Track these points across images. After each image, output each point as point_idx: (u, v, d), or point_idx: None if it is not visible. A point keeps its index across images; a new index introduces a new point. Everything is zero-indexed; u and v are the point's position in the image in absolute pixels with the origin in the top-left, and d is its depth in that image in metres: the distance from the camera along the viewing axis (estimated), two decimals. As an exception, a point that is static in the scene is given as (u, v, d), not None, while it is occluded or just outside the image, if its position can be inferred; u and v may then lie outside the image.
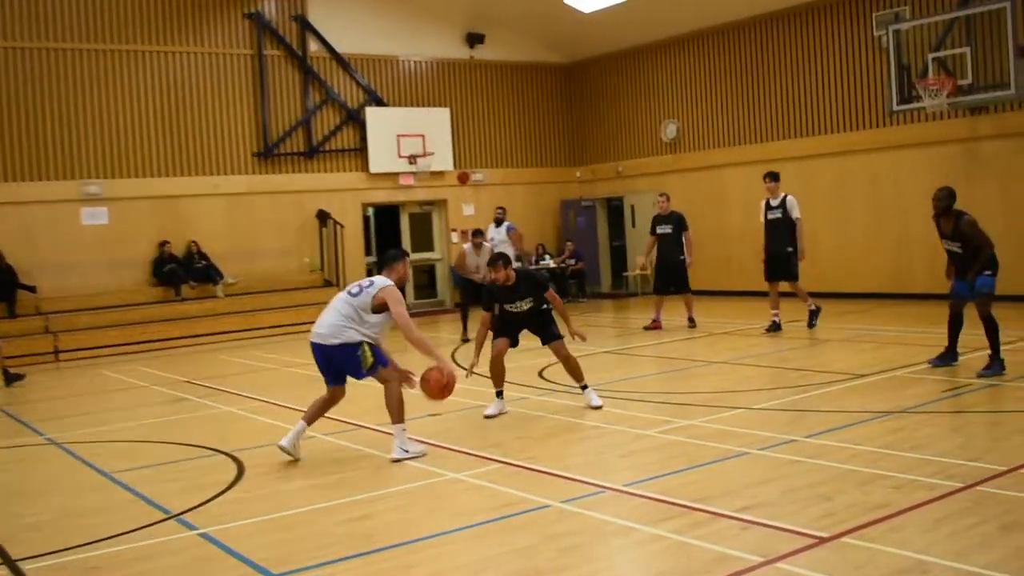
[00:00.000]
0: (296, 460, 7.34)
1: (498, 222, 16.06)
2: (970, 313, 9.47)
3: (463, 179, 21.44)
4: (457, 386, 7.42)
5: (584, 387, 8.78)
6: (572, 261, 21.32)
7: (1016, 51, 14.24)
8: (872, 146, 17.06)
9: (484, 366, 8.83)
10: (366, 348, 7.02)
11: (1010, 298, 13.77)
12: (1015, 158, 15.29)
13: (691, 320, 14.45)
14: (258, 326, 17.71)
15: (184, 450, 8.16)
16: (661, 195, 14.68)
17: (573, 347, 9.37)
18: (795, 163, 18.24)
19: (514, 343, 8.75)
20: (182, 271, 17.92)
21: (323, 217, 19.45)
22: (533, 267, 20.97)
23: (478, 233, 14.46)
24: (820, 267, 17.90)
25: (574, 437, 7.73)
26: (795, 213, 13.10)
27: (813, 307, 13.35)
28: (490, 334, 8.71)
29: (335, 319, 7.08)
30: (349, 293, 7.16)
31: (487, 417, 8.56)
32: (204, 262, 18.18)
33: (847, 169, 17.58)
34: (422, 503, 6.12)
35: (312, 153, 19.61)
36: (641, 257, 15.20)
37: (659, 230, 14.49)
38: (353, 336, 7.02)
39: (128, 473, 7.43)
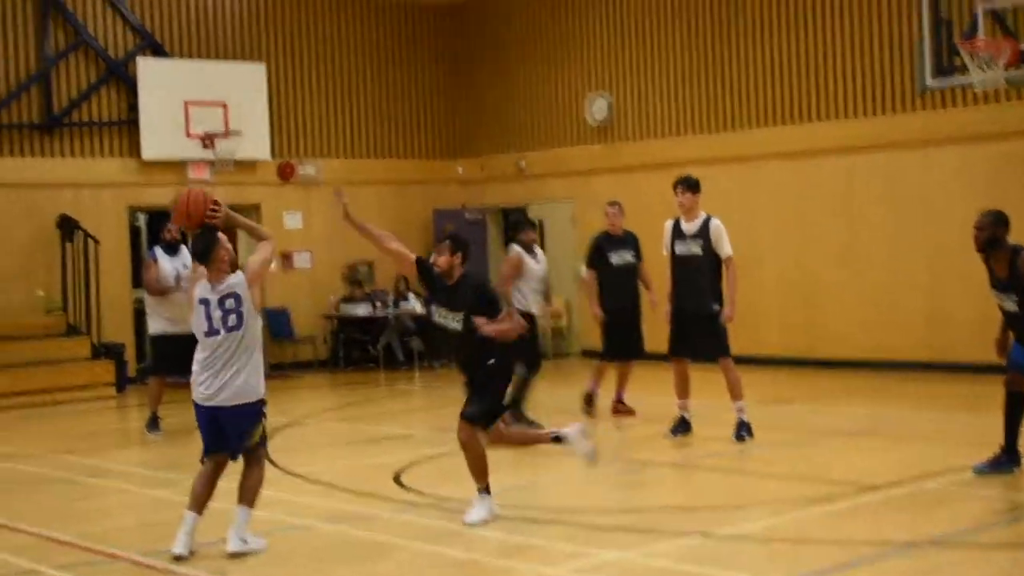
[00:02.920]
0: None
1: (173, 246, 14.37)
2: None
3: (286, 173, 21.34)
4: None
5: (485, 490, 9.03)
6: (450, 301, 21.07)
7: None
8: (892, 140, 17.33)
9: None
10: None
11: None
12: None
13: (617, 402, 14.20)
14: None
15: None
16: (612, 204, 14.09)
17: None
18: (779, 163, 18.53)
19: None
20: None
21: (68, 227, 19.04)
22: (388, 311, 20.91)
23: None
24: (808, 321, 18.13)
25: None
26: (725, 247, 12.21)
27: (745, 415, 12.11)
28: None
29: None
30: None
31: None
32: None
33: (854, 175, 17.83)
34: None
35: (51, 126, 19.28)
36: (594, 305, 13.41)
37: (615, 259, 13.84)
38: None
39: None
